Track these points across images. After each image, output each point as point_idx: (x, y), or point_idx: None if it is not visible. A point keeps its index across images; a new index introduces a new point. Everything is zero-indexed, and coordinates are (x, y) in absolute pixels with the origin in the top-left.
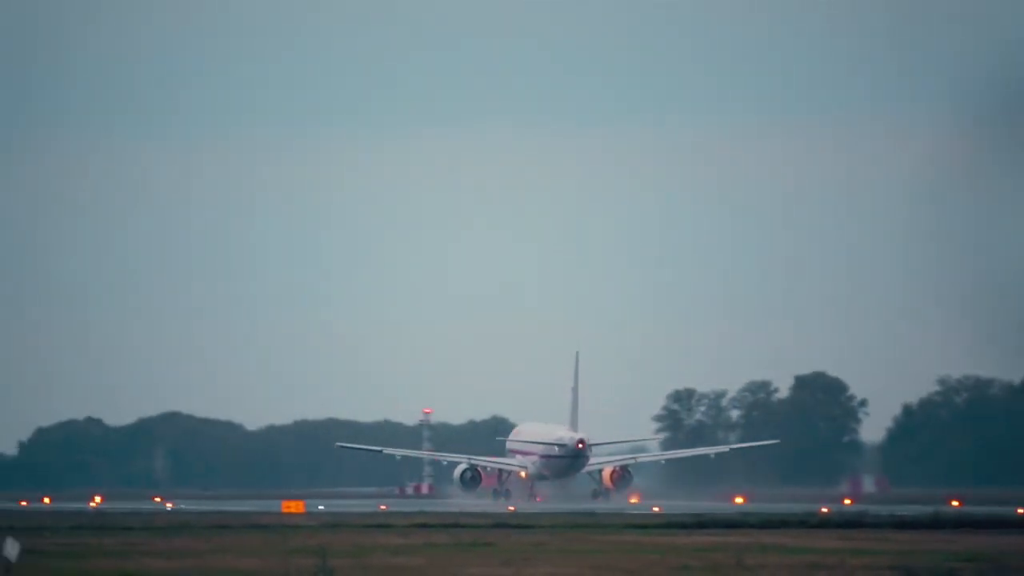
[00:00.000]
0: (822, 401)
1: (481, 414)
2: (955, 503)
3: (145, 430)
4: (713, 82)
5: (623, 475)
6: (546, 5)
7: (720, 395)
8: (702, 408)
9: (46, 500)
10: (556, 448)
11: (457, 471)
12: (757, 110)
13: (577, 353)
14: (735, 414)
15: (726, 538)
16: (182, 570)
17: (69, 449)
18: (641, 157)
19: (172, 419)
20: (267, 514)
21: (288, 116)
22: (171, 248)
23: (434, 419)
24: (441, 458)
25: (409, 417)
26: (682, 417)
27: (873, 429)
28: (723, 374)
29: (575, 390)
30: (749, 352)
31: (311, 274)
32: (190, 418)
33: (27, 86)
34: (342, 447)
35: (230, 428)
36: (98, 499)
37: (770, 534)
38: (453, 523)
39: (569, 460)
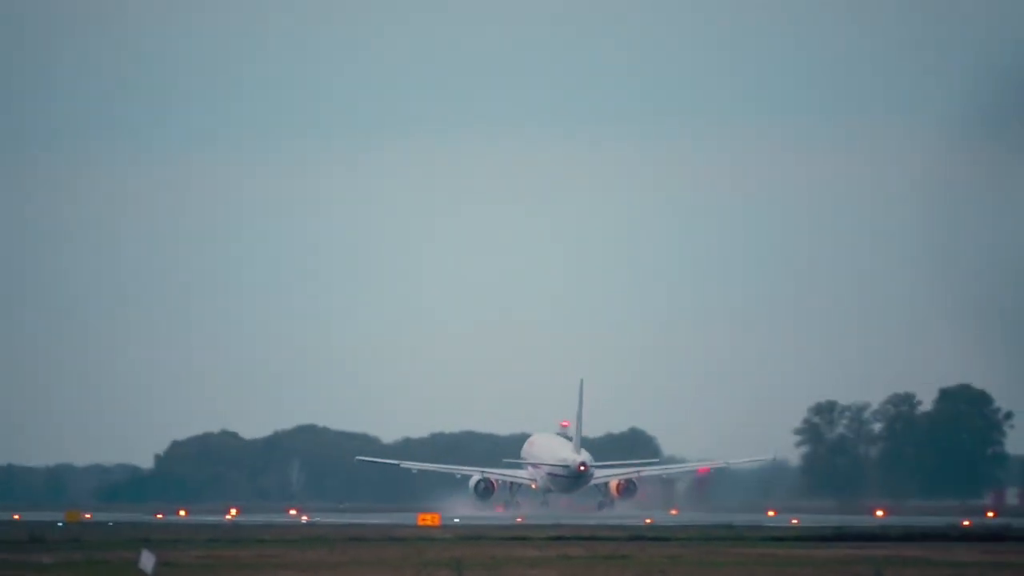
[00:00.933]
0: (966, 413)
1: (619, 427)
2: None
3: (280, 443)
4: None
5: (628, 486)
6: (557, 11)
7: (862, 408)
8: (844, 421)
9: (182, 512)
10: (561, 468)
11: (472, 482)
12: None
13: (581, 380)
14: (877, 427)
15: (865, 551)
16: None
17: (205, 462)
18: (710, 164)
19: (307, 432)
20: (403, 527)
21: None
22: (302, 261)
23: (571, 432)
24: (455, 471)
25: (547, 430)
26: (823, 431)
27: (1019, 442)
28: (866, 386)
29: (579, 416)
30: (892, 364)
31: (445, 288)
32: (325, 431)
33: (15, 103)
34: (362, 461)
35: (366, 441)
36: (233, 511)
37: (910, 547)
38: (590, 536)
39: (572, 479)
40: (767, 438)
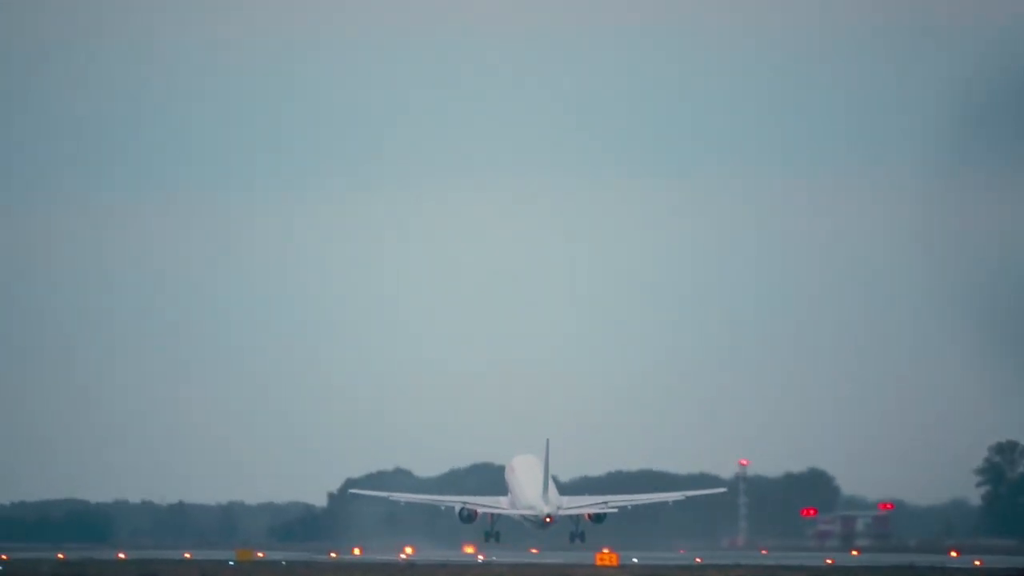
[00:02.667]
0: None
1: (798, 466)
2: None
3: (455, 481)
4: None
5: (598, 516)
6: (572, 54)
7: None
8: None
9: (356, 551)
10: (530, 514)
11: (456, 509)
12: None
13: (547, 440)
14: None
15: None
16: None
17: (379, 500)
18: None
19: (482, 470)
20: (580, 567)
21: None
22: (464, 295)
23: (750, 471)
24: (440, 502)
25: (725, 469)
26: (1004, 470)
27: None
28: None
29: (546, 470)
30: None
31: (618, 327)
32: (500, 469)
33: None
34: (355, 494)
35: None
36: (408, 550)
37: None
38: None
39: (541, 523)
40: (948, 478)
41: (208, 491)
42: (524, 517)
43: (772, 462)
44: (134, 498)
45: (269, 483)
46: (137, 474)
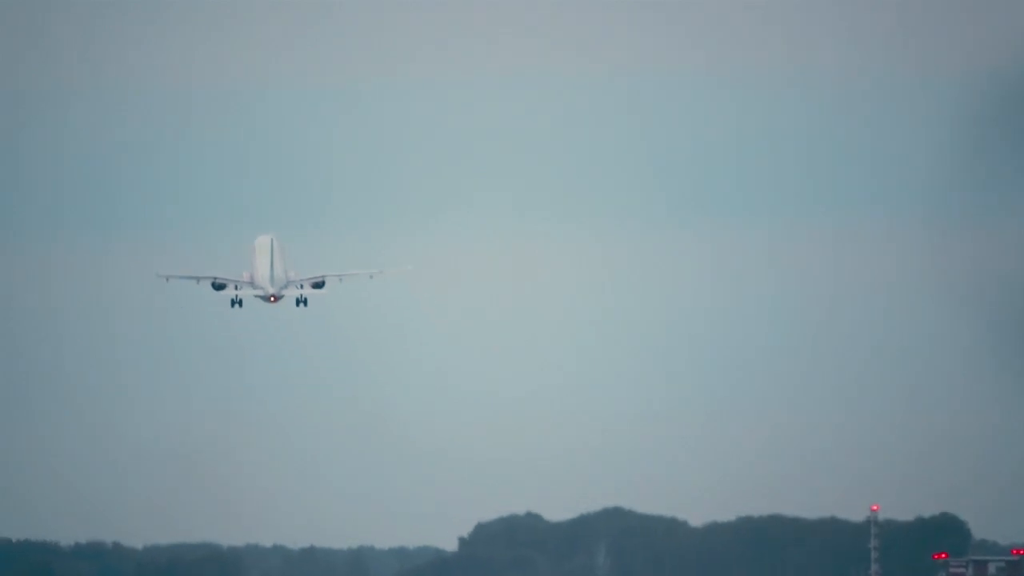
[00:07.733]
0: None
1: (930, 511)
2: None
3: (586, 525)
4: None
5: (317, 284)
6: (593, 103)
7: None
8: None
9: None
10: (260, 292)
11: (209, 282)
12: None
13: (272, 239)
14: None
15: None
16: None
17: (509, 544)
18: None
19: (613, 515)
20: None
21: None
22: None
23: (881, 516)
24: (196, 277)
25: (856, 513)
26: None
27: None
28: None
29: (272, 258)
30: None
31: (746, 372)
32: (631, 513)
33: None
34: (164, 277)
35: (673, 524)
36: None
37: None
38: None
39: (268, 300)
40: None
41: (339, 536)
42: (256, 295)
43: (904, 507)
44: (266, 542)
45: (399, 528)
46: (269, 519)
